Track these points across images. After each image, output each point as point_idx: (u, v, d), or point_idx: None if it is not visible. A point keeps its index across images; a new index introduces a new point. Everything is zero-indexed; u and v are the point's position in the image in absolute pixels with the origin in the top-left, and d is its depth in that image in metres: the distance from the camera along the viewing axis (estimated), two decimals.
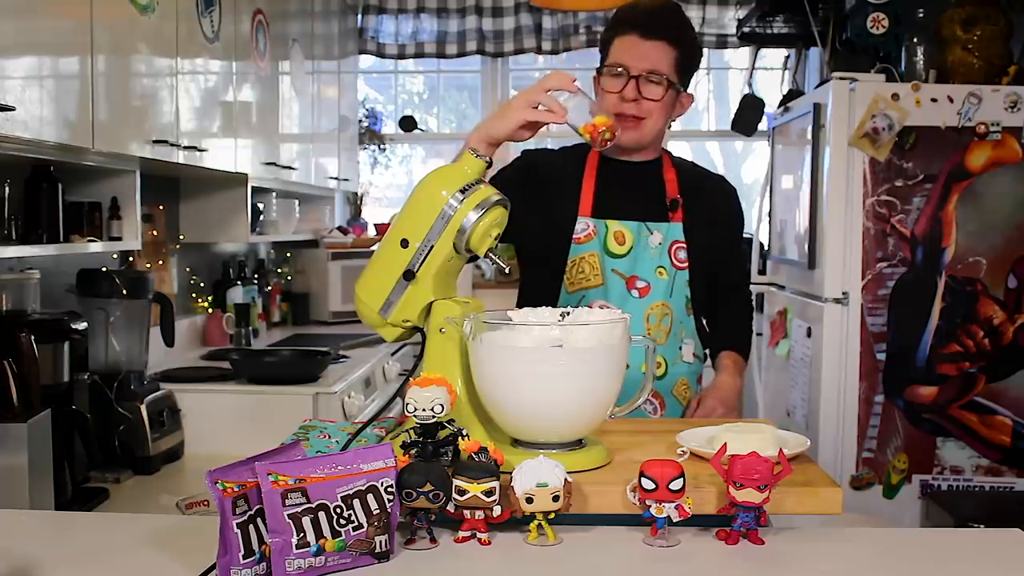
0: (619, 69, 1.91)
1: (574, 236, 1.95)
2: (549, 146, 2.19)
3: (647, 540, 1.24)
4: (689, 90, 2.02)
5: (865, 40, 3.67)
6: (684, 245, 1.98)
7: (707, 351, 2.09)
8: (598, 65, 2.01)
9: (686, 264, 1.98)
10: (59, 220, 2.26)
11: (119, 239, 2.49)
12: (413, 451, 1.26)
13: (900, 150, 3.31)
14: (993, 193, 3.31)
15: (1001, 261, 3.33)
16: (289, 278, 4.44)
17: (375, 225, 5.06)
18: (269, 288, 4.16)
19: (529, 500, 1.21)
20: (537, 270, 2.03)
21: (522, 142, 1.70)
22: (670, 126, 2.07)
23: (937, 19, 3.49)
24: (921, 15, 3.58)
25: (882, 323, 3.35)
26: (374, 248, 1.66)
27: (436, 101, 5.44)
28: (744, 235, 2.47)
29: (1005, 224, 3.32)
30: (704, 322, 2.08)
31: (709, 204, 2.05)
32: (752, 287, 4.17)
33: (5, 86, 1.77)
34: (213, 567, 1.11)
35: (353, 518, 1.14)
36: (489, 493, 1.21)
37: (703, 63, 5.08)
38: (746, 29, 4.69)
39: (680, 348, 2.00)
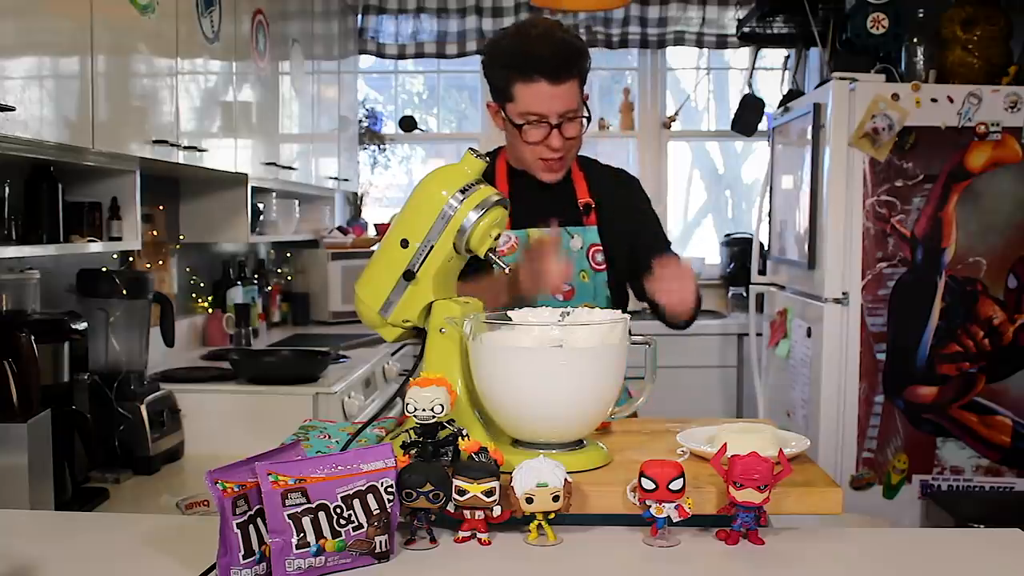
0: (537, 119, 1.87)
1: (497, 249, 1.94)
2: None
3: (647, 540, 1.24)
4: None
5: (865, 40, 3.67)
6: (601, 248, 1.99)
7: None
8: (494, 98, 1.95)
9: (604, 266, 1.99)
10: (59, 220, 2.26)
11: (119, 239, 2.49)
12: (413, 451, 1.26)
13: (900, 150, 3.31)
14: (993, 193, 3.31)
15: (1001, 261, 3.33)
16: (289, 278, 4.44)
17: (375, 225, 5.06)
18: (269, 288, 4.16)
19: (529, 500, 1.21)
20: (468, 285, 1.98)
21: None
22: None
23: (937, 19, 3.49)
24: (921, 15, 3.58)
25: (882, 323, 3.35)
26: (374, 248, 1.66)
27: (436, 101, 5.44)
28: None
29: (1005, 224, 3.32)
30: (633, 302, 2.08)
31: (617, 198, 2.05)
32: (752, 287, 4.20)
33: (5, 86, 1.76)
34: (213, 567, 1.11)
35: (353, 518, 1.14)
36: (489, 493, 1.21)
37: (703, 63, 5.15)
38: (746, 29, 4.69)
39: None
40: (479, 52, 4.89)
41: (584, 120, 1.91)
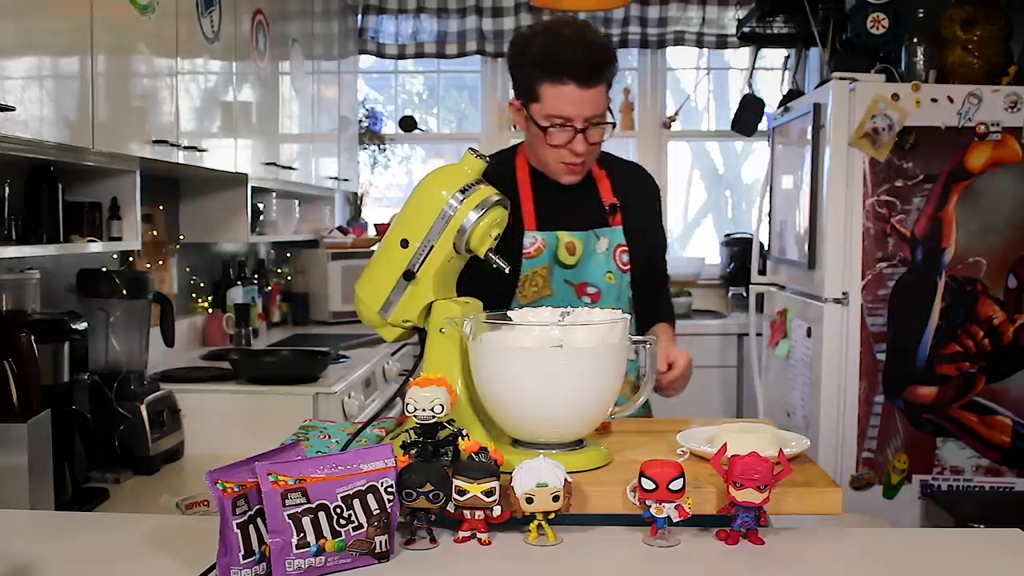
0: (562, 122, 1.82)
1: (524, 251, 1.91)
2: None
3: (647, 540, 1.24)
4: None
5: (865, 40, 3.67)
6: (626, 248, 1.97)
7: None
8: (517, 96, 1.90)
9: (629, 267, 1.97)
10: (59, 220, 2.26)
11: (119, 239, 2.49)
12: (413, 451, 1.26)
13: (900, 150, 3.31)
14: (993, 193, 3.31)
15: (1001, 261, 3.33)
16: (289, 278, 4.44)
17: (375, 225, 5.06)
18: (269, 288, 4.16)
19: (529, 500, 1.21)
20: (489, 284, 1.84)
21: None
22: None
23: (937, 19, 3.49)
24: (921, 15, 3.58)
25: (882, 323, 3.35)
26: (374, 248, 1.66)
27: (436, 101, 5.44)
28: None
29: (1005, 224, 3.32)
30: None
31: (639, 196, 2.04)
32: (752, 287, 4.20)
33: (5, 86, 1.76)
34: (213, 567, 1.11)
35: (353, 518, 1.14)
36: (489, 493, 1.21)
37: (703, 63, 5.15)
38: (746, 29, 4.69)
39: None
40: (479, 52, 4.89)
41: (609, 126, 1.88)
